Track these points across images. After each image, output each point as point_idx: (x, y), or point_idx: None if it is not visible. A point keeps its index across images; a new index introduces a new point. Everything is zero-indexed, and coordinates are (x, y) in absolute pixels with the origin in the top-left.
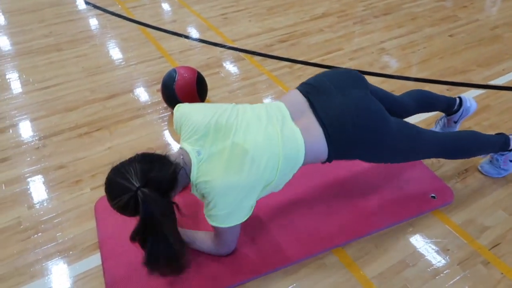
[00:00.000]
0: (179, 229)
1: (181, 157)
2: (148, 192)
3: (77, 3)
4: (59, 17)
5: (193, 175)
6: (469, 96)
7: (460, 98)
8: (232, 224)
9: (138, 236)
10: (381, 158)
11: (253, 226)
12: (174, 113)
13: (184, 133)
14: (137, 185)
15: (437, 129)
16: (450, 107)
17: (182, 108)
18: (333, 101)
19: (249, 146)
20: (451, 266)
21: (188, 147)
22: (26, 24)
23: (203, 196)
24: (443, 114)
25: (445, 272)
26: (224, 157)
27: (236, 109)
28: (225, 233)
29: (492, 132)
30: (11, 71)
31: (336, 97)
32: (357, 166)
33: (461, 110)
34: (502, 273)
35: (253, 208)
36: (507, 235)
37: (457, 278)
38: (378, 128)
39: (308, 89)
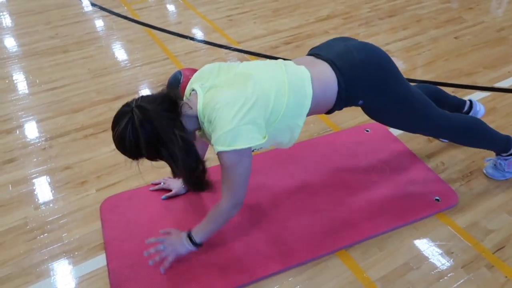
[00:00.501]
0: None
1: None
2: (145, 105)
3: (83, 5)
4: (65, 18)
5: (199, 104)
6: (475, 98)
7: (471, 101)
8: (240, 146)
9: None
10: (388, 112)
11: (256, 227)
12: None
13: (192, 83)
14: (133, 105)
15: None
16: (460, 108)
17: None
18: (337, 46)
19: (253, 71)
20: (455, 269)
21: (194, 85)
22: (32, 25)
23: (210, 121)
24: None
25: (449, 275)
26: (227, 83)
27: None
28: (233, 168)
29: None
30: (17, 72)
31: (339, 45)
32: (361, 168)
33: (471, 113)
34: (506, 277)
35: (264, 137)
36: (511, 239)
37: (461, 281)
38: (388, 72)
39: (313, 50)
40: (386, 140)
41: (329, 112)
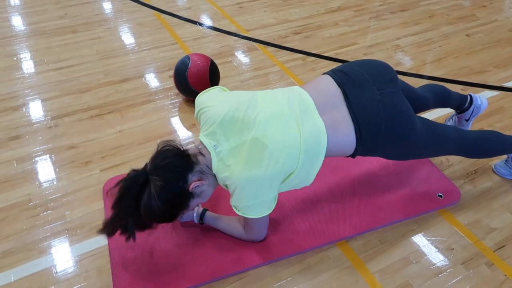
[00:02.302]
0: (214, 214)
1: (199, 148)
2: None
3: None
4: None
5: (214, 168)
6: (482, 95)
7: (470, 95)
8: (258, 216)
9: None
10: (406, 155)
11: None
12: (195, 102)
13: (201, 123)
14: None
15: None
16: (462, 104)
17: (201, 98)
18: (370, 97)
19: (268, 141)
20: (455, 265)
21: (205, 140)
22: (41, 4)
23: (226, 186)
24: (453, 112)
25: (448, 271)
26: (243, 152)
27: (255, 99)
28: (253, 223)
29: None
30: (25, 51)
31: (373, 93)
32: (366, 163)
33: (472, 107)
34: (505, 275)
35: (276, 199)
36: None
37: (460, 277)
38: (407, 129)
39: (343, 79)
40: None
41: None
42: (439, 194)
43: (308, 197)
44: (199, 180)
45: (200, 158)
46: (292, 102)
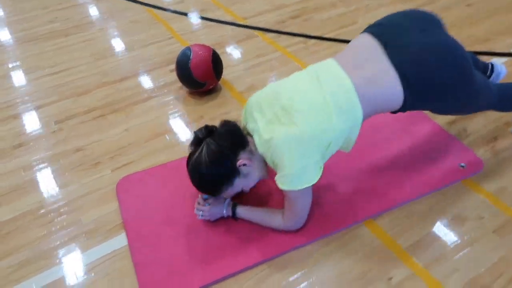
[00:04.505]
0: (246, 206)
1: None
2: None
3: None
4: (63, 2)
5: (258, 145)
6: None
7: (492, 64)
8: (304, 186)
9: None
10: (458, 104)
11: None
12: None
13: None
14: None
15: None
16: (485, 71)
17: (249, 101)
18: (414, 40)
19: (295, 104)
20: (487, 234)
21: (249, 126)
22: (29, 11)
23: (273, 161)
24: None
25: (480, 240)
26: (276, 121)
27: (282, 80)
28: (297, 200)
29: None
30: (18, 58)
31: (417, 35)
32: (385, 139)
33: (492, 75)
34: None
35: (321, 169)
36: None
37: (494, 245)
38: (462, 76)
39: (381, 30)
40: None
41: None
42: (461, 164)
43: (328, 178)
44: (247, 159)
45: (250, 140)
46: (313, 71)
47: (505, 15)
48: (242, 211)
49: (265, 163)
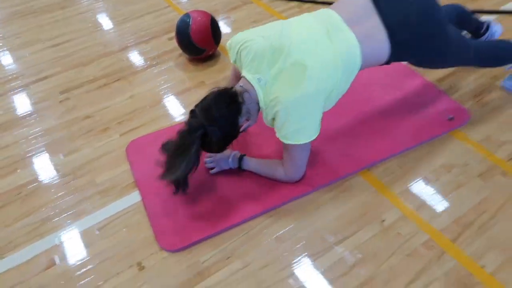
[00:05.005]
0: (251, 158)
1: (243, 86)
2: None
3: None
4: None
5: (261, 100)
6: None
7: (488, 24)
8: (305, 140)
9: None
10: (436, 58)
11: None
12: (228, 46)
13: (243, 60)
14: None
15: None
16: (478, 29)
17: (237, 37)
18: (401, 1)
19: (306, 63)
20: (472, 179)
21: (248, 75)
22: None
23: (273, 118)
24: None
25: (466, 184)
26: (285, 77)
27: (287, 27)
28: (297, 153)
29: None
30: (17, 32)
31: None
32: (377, 95)
33: (487, 33)
34: None
35: (320, 124)
36: None
37: (478, 188)
38: (439, 30)
39: None
40: (398, 69)
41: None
42: (450, 116)
43: (325, 133)
44: (246, 120)
45: (245, 96)
46: (322, 23)
47: None
48: (248, 161)
49: (257, 111)
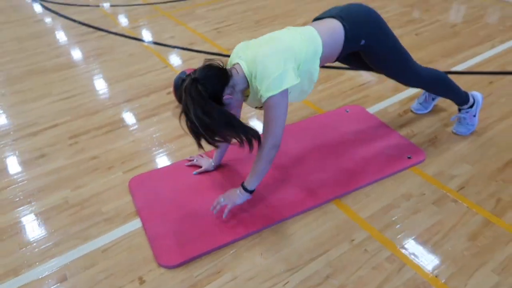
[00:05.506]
0: (247, 178)
1: (229, 68)
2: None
3: (81, 27)
4: (66, 40)
5: (244, 66)
6: None
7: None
8: (286, 86)
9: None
10: (383, 51)
11: (267, 185)
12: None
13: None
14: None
15: (416, 102)
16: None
17: (236, 47)
18: (335, 8)
19: (277, 34)
20: (428, 205)
21: (233, 60)
22: (36, 48)
23: (258, 75)
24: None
25: (423, 210)
26: (260, 45)
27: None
28: (278, 106)
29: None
30: (31, 86)
31: (336, 7)
32: (346, 139)
33: (474, 105)
34: (467, 207)
35: (298, 79)
36: (470, 181)
37: (433, 213)
38: (377, 16)
39: (325, 13)
40: (363, 116)
41: (339, 57)
42: (408, 155)
43: (304, 168)
44: (229, 95)
45: (233, 71)
46: (287, 28)
47: (447, 42)
48: (249, 182)
49: (242, 94)
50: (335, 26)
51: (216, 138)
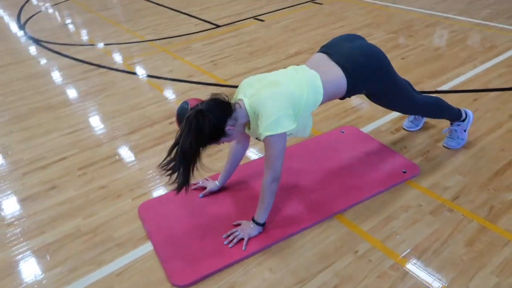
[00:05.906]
0: (256, 212)
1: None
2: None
3: (83, 65)
4: (70, 77)
5: (247, 104)
6: None
7: (466, 113)
8: (283, 130)
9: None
10: (383, 94)
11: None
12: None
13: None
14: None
15: (407, 120)
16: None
17: (241, 83)
18: (344, 47)
19: (280, 80)
20: (425, 215)
21: (238, 95)
22: (41, 86)
23: (258, 112)
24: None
25: (421, 220)
26: (263, 86)
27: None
28: (275, 145)
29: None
30: (38, 123)
31: (346, 45)
32: (343, 157)
33: (466, 120)
34: (463, 215)
35: (295, 124)
36: (463, 190)
37: (430, 222)
38: (382, 67)
39: (324, 48)
40: (358, 136)
41: (342, 98)
42: (404, 170)
43: (306, 187)
44: (232, 126)
45: (236, 106)
46: (290, 68)
47: (432, 64)
48: (258, 215)
49: (243, 127)
50: (339, 80)
51: (181, 167)
